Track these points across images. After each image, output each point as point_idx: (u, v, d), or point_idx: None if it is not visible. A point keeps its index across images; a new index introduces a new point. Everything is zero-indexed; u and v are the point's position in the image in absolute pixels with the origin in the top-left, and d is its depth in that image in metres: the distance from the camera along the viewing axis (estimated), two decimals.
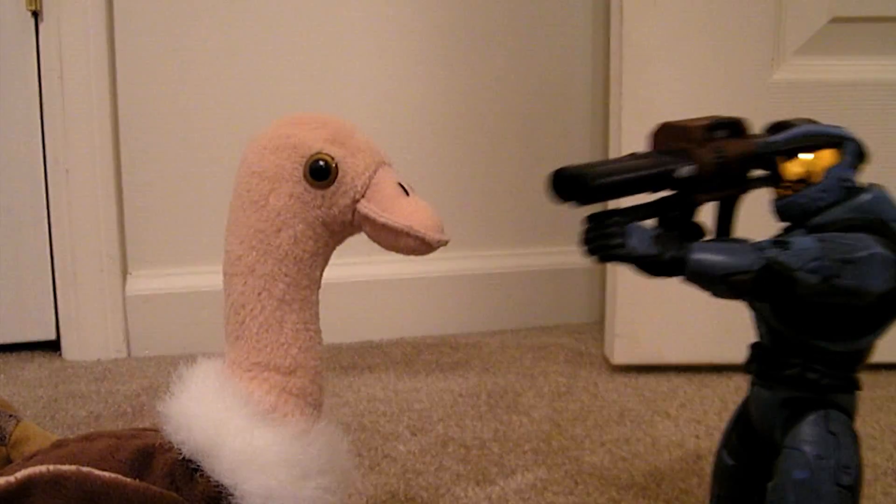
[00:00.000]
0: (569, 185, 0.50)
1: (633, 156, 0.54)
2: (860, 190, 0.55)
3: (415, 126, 1.29)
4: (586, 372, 1.12)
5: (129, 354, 1.22)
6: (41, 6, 1.15)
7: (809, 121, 0.59)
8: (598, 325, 1.31)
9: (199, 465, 0.48)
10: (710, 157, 0.54)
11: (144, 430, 0.53)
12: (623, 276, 1.10)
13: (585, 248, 0.52)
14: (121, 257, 1.22)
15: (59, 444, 0.51)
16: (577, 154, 1.34)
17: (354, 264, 1.20)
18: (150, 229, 1.23)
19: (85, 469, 0.47)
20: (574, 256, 1.37)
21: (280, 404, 0.50)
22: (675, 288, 1.13)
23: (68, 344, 1.21)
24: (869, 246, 0.51)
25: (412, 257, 0.52)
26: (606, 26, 1.27)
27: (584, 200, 0.50)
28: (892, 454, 0.86)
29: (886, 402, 1.01)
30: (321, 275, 0.53)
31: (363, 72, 1.26)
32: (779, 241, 0.52)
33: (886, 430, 0.92)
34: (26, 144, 1.18)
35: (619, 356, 1.12)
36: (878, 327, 0.54)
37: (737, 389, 1.04)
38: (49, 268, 1.21)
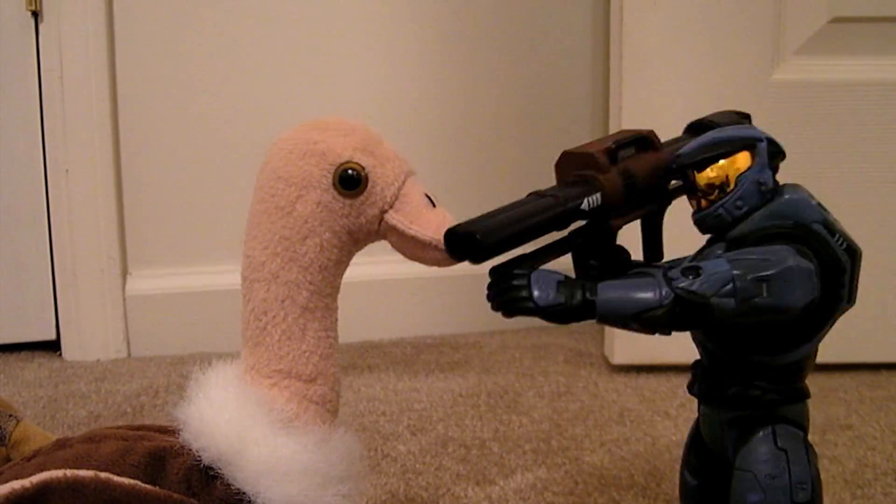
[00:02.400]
0: (463, 244, 0.47)
1: (535, 194, 0.51)
2: (777, 192, 0.52)
3: (414, 126, 1.29)
4: (586, 372, 1.12)
5: (129, 354, 1.22)
6: (41, 6, 1.15)
7: (739, 114, 0.57)
8: (598, 325, 1.31)
9: (217, 472, 0.48)
10: (616, 181, 0.51)
11: (147, 428, 0.53)
12: None
13: (491, 303, 0.50)
14: (121, 257, 1.22)
15: (61, 445, 0.50)
16: None
17: (354, 264, 1.20)
18: (150, 229, 1.23)
19: (103, 475, 0.46)
20: None
21: (301, 412, 0.50)
22: None
23: (68, 344, 1.21)
24: (783, 259, 0.49)
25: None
26: (606, 26, 1.27)
27: (481, 258, 0.47)
28: (892, 454, 0.86)
29: (886, 401, 1.00)
30: (340, 281, 0.52)
31: (363, 71, 1.26)
32: (689, 269, 0.49)
33: (886, 430, 0.92)
34: (26, 144, 1.18)
35: (619, 356, 1.12)
36: (814, 334, 0.53)
37: None
38: (49, 268, 1.21)
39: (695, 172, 0.52)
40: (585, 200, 0.50)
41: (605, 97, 1.30)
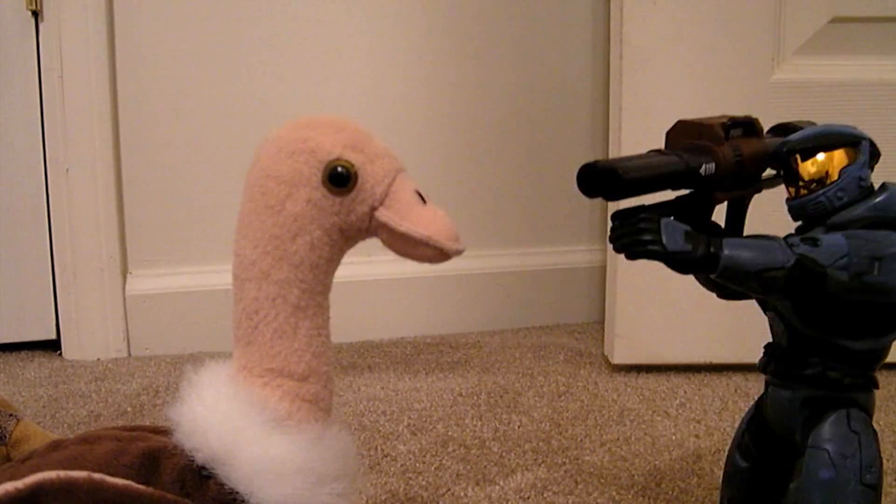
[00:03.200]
0: (600, 179, 0.49)
1: (658, 152, 0.53)
2: (879, 188, 0.55)
3: (414, 126, 1.29)
4: (586, 372, 1.12)
5: (129, 354, 1.22)
6: (41, 6, 1.15)
7: (812, 123, 0.59)
8: (598, 325, 1.31)
9: (211, 472, 0.48)
10: (729, 155, 0.54)
11: (141, 428, 0.53)
12: (623, 276, 1.10)
13: (615, 244, 0.52)
14: (121, 257, 1.22)
15: (56, 446, 0.50)
16: (577, 154, 1.34)
17: (354, 264, 1.20)
18: (150, 229, 1.23)
19: (97, 476, 0.46)
20: (574, 256, 1.37)
21: (294, 411, 0.50)
22: (675, 288, 1.13)
23: (68, 343, 1.21)
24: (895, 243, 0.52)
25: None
26: (606, 26, 1.27)
27: (614, 195, 0.50)
28: (892, 454, 0.86)
29: (886, 401, 1.01)
30: (332, 279, 0.52)
31: (363, 72, 1.26)
32: (808, 238, 0.52)
33: (886, 430, 0.92)
34: (26, 144, 1.18)
35: (619, 356, 1.12)
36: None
37: (736, 389, 1.04)
38: (49, 268, 1.21)
39: (799, 160, 0.55)
40: (705, 166, 0.53)
41: (605, 97, 1.30)
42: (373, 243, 0.53)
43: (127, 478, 0.46)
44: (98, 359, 1.21)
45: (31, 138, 1.18)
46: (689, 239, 0.51)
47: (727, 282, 0.52)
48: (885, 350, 0.56)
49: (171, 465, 0.48)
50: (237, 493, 0.47)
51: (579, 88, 1.34)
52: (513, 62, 1.31)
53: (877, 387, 0.56)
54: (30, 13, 1.16)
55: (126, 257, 1.23)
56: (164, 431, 0.50)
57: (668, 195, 0.55)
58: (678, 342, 1.10)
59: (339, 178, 0.49)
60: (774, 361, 0.58)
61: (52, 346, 1.23)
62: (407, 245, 0.51)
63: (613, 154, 1.12)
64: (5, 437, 0.68)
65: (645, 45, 1.05)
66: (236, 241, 0.51)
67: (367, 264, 1.23)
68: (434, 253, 0.50)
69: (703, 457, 0.86)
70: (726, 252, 0.51)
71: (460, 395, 1.04)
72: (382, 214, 0.50)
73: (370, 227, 0.51)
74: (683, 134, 0.55)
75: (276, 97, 1.23)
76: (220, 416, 0.48)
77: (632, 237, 0.51)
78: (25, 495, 0.45)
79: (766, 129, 0.60)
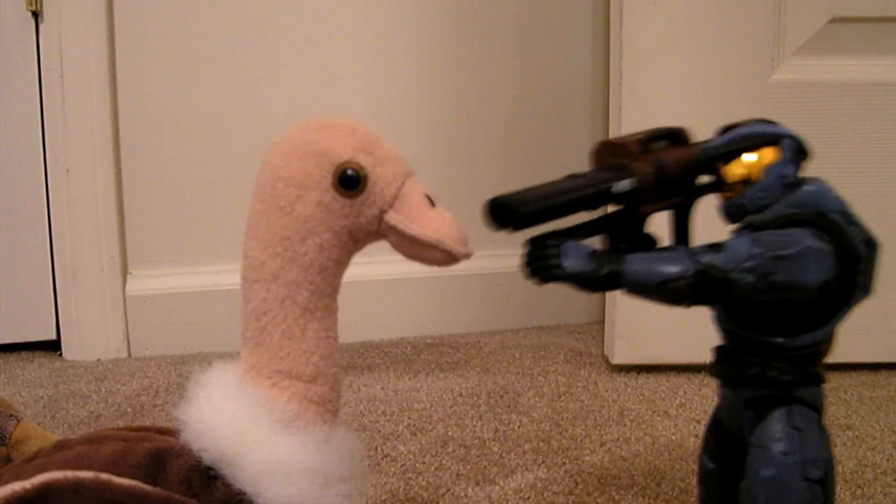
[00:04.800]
0: (500, 212, 0.51)
1: (571, 177, 0.54)
2: (800, 184, 0.55)
3: (413, 126, 1.29)
4: (586, 372, 1.12)
5: (129, 354, 1.22)
6: (41, 6, 1.15)
7: (765, 121, 0.59)
8: (598, 325, 1.31)
9: (218, 472, 0.48)
10: (647, 169, 0.55)
11: (146, 429, 0.53)
12: None
13: (525, 270, 0.53)
14: (121, 257, 1.22)
15: (61, 446, 0.50)
16: (578, 154, 1.33)
17: (354, 264, 1.20)
18: (150, 229, 1.23)
19: (104, 476, 0.46)
20: None
21: (302, 412, 0.50)
22: None
23: (68, 344, 1.21)
24: (801, 240, 0.52)
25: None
26: (606, 26, 1.27)
27: (515, 227, 0.51)
28: (892, 454, 0.86)
29: (886, 401, 1.01)
30: (340, 281, 0.53)
31: (363, 71, 1.26)
32: (713, 245, 0.53)
33: (886, 430, 0.92)
34: (26, 144, 1.18)
35: (619, 356, 1.12)
36: (830, 318, 0.55)
37: None
38: (49, 268, 1.21)
39: (722, 165, 0.55)
40: (616, 184, 0.54)
41: (605, 97, 1.30)
42: (373, 244, 0.53)
43: (134, 478, 0.47)
44: (98, 359, 1.21)
45: (31, 138, 1.18)
46: (592, 259, 0.52)
47: (636, 296, 0.53)
48: (824, 344, 0.56)
49: (178, 466, 0.48)
50: (244, 493, 0.48)
51: (579, 88, 1.34)
52: (513, 63, 1.31)
53: (822, 381, 0.57)
54: (30, 13, 1.16)
55: (126, 257, 1.23)
56: (170, 432, 0.51)
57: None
58: (678, 342, 1.10)
59: (350, 181, 0.49)
60: (720, 363, 0.58)
61: (52, 347, 1.23)
62: (416, 248, 0.51)
63: None
64: (5, 437, 0.69)
65: (645, 45, 1.05)
66: (245, 243, 0.51)
67: (368, 265, 1.23)
68: (443, 256, 0.51)
69: None
70: (628, 267, 0.52)
71: (460, 395, 1.04)
72: (392, 217, 0.50)
73: (379, 230, 0.51)
74: (606, 154, 0.57)
75: (276, 97, 1.23)
76: (227, 416, 0.48)
77: (538, 262, 0.52)
78: (33, 495, 0.45)
79: (716, 131, 0.60)
